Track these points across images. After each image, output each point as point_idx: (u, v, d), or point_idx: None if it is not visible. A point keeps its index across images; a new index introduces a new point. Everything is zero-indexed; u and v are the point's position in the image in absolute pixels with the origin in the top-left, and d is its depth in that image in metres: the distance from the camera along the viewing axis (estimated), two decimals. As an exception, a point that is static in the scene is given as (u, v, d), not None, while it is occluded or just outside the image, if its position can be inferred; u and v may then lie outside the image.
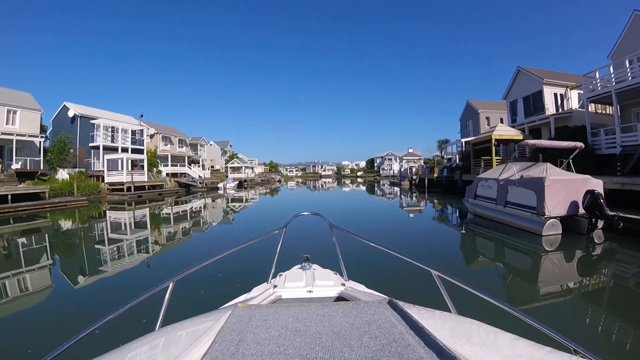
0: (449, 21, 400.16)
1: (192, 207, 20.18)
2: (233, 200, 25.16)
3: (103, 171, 28.30)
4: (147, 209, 19.27)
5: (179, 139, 41.87)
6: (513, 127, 21.75)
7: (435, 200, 19.76)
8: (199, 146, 50.00)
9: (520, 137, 17.67)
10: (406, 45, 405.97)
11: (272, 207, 21.88)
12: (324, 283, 1.90)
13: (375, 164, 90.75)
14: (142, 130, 34.62)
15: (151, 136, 39.64)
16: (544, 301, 4.69)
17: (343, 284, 1.90)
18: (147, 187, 27.31)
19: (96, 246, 9.16)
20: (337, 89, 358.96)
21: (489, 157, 17.42)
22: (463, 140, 27.37)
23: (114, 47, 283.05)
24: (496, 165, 16.92)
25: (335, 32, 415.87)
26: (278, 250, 2.25)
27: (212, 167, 57.43)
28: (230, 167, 47.14)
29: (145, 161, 30.88)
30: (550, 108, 20.95)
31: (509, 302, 3.43)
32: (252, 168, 67.96)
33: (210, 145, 65.09)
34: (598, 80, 15.32)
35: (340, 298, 1.76)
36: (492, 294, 1.20)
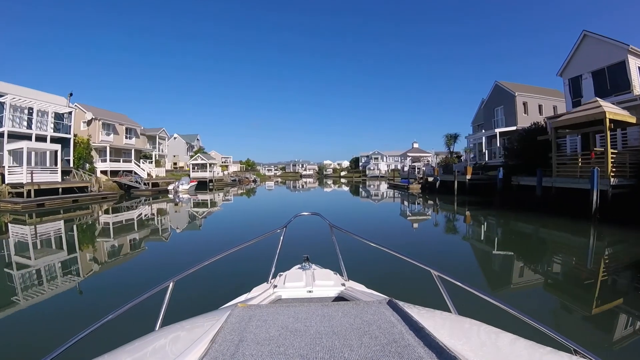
0: (440, 19, 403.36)
1: (114, 224, 12.34)
2: (195, 205, 17.61)
3: (4, 167, 20.09)
4: (55, 224, 11.36)
5: (126, 128, 32.91)
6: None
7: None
8: (158, 139, 41.09)
9: (634, 120, 11.44)
10: (392, 42, 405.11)
11: (233, 223, 14.40)
12: (324, 283, 1.86)
13: (360, 164, 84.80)
14: (70, 114, 25.87)
15: (88, 122, 30.77)
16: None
17: (343, 284, 1.86)
18: (60, 190, 18.87)
19: None
20: (322, 87, 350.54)
21: (601, 150, 10.97)
22: (498, 130, 21.14)
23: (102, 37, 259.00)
24: (611, 159, 10.53)
25: (329, 30, 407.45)
26: (278, 250, 2.20)
27: (175, 164, 48.79)
28: (193, 164, 38.31)
29: (59, 153, 22.24)
30: (637, 85, 15.17)
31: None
32: (226, 166, 59.25)
33: (175, 138, 56.32)
34: None
35: (340, 298, 1.74)
36: (492, 294, 1.14)
